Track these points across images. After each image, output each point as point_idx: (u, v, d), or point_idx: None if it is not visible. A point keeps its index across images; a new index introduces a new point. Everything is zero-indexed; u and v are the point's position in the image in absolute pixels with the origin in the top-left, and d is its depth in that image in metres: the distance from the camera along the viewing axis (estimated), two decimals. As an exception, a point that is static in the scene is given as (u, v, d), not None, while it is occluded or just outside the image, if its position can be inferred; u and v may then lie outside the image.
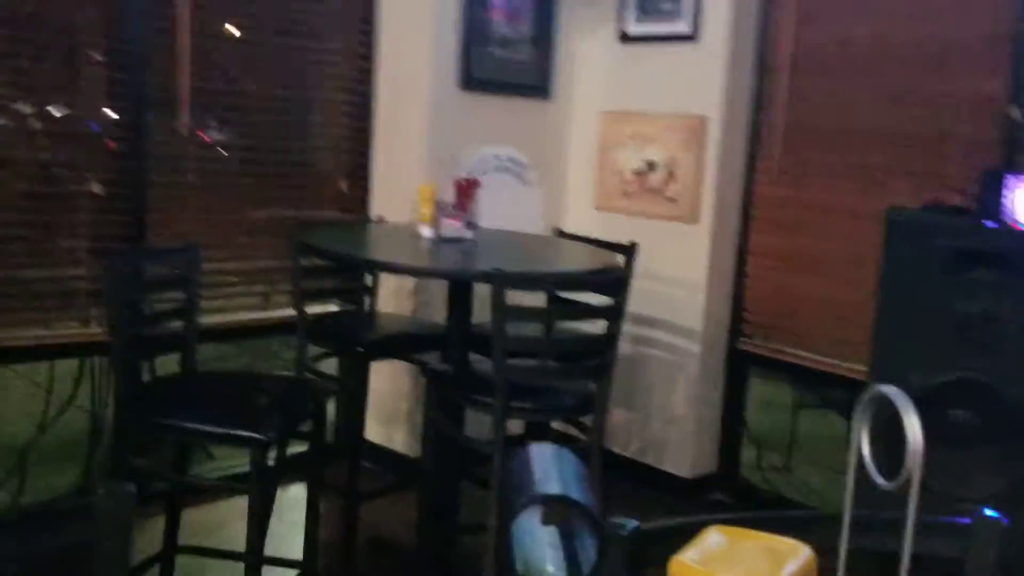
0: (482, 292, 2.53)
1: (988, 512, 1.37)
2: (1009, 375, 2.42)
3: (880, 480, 0.91)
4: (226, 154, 3.35)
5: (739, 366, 3.59)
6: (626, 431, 3.72)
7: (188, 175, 3.25)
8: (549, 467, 0.99)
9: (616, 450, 3.69)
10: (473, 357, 2.80)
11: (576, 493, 0.95)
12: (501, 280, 2.43)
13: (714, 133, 3.46)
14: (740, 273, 3.58)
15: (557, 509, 0.93)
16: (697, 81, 3.49)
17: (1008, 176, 2.57)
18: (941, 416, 2.50)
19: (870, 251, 2.75)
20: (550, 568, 0.91)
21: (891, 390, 0.88)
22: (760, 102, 3.51)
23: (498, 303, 2.43)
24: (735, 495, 3.59)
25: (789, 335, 3.44)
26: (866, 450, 0.91)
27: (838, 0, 3.29)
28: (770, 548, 0.87)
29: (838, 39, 3.28)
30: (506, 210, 3.59)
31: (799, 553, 0.86)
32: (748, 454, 3.63)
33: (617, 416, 3.67)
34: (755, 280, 3.55)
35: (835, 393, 3.37)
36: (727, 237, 3.55)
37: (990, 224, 2.54)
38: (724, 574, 0.87)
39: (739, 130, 3.52)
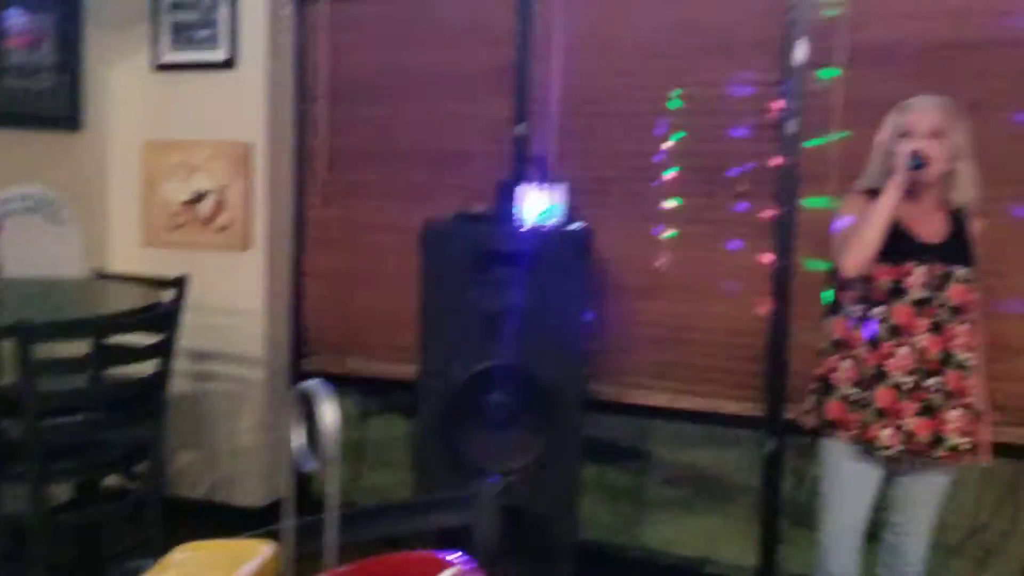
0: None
1: (488, 481, 1.56)
2: (534, 359, 2.75)
3: (310, 464, 0.99)
4: None
5: (306, 386, 3.64)
6: (194, 472, 3.62)
7: None
8: None
9: (184, 494, 3.59)
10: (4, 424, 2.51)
11: None
12: (25, 332, 2.23)
13: (261, 159, 3.49)
14: (299, 295, 3.65)
15: None
16: (239, 108, 3.50)
17: (517, 185, 2.91)
18: (483, 402, 2.77)
19: (416, 262, 2.94)
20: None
21: (313, 384, 0.96)
22: (304, 127, 3.61)
23: (24, 358, 2.22)
24: (309, 513, 3.63)
25: (351, 349, 3.58)
26: (298, 440, 0.99)
27: (370, 30, 3.49)
28: (232, 552, 0.90)
29: (372, 66, 3.49)
30: (39, 254, 3.29)
31: (258, 552, 0.91)
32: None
33: (183, 458, 3.55)
34: (313, 300, 3.65)
35: (397, 397, 3.58)
36: (282, 261, 3.60)
37: (505, 227, 2.87)
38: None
39: (285, 155, 3.59)
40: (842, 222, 2.39)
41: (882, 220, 2.28)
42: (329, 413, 0.95)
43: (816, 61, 2.93)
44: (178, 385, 3.36)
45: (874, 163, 2.44)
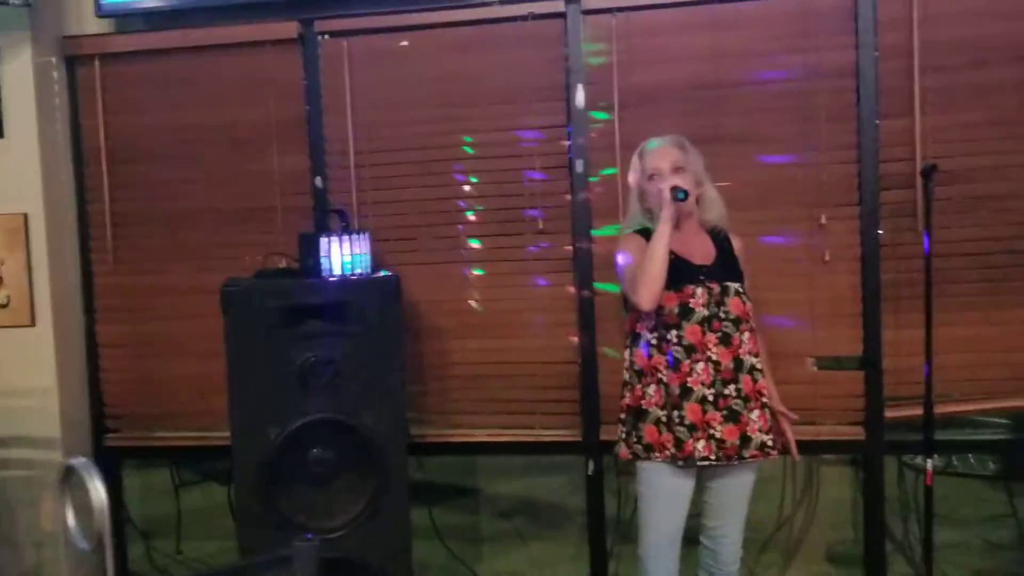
0: None
1: (303, 538, 1.53)
2: (352, 409, 2.71)
3: (82, 544, 0.96)
4: None
5: (110, 464, 3.43)
6: (-5, 572, 3.33)
7: None
8: None
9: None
10: None
11: None
12: None
13: (39, 229, 3.29)
14: (95, 369, 3.46)
15: None
16: (11, 178, 3.30)
17: (319, 237, 2.88)
18: (303, 458, 2.71)
19: (219, 324, 2.83)
20: None
21: (79, 461, 0.93)
22: (83, 194, 3.43)
23: None
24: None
25: (158, 420, 3.41)
26: (71, 520, 0.96)
27: (149, 90, 3.36)
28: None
29: (155, 126, 3.36)
30: None
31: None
32: (138, 549, 3.50)
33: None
34: (112, 372, 3.46)
35: (212, 465, 3.44)
36: (73, 334, 3.41)
37: (311, 280, 2.83)
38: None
39: (67, 223, 3.41)
40: (626, 263, 2.56)
41: (662, 253, 2.46)
42: (97, 490, 0.91)
43: (594, 104, 3.10)
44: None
45: (633, 205, 2.65)
